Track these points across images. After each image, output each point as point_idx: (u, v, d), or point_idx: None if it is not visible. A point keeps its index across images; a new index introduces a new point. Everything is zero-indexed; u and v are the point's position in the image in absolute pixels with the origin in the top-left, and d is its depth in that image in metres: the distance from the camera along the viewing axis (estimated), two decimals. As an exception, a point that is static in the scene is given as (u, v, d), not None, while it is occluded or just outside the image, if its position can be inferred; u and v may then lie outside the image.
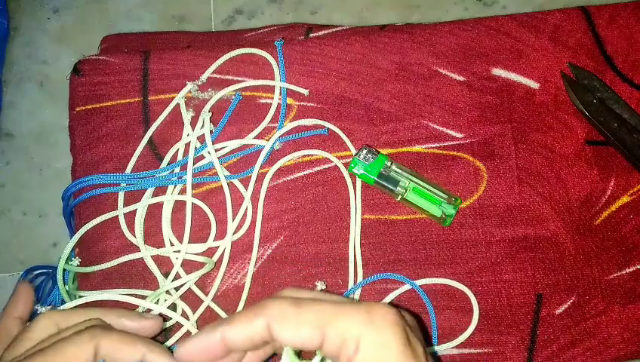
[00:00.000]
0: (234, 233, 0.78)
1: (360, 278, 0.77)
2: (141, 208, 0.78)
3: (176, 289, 0.76)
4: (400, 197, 0.77)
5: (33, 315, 0.73)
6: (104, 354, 0.51)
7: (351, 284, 0.76)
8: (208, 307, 0.76)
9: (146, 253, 0.76)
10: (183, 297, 0.76)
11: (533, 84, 0.82)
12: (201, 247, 0.77)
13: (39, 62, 1.05)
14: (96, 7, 1.06)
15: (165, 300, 0.75)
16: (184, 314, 0.75)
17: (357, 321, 0.44)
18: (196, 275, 0.75)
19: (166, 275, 0.76)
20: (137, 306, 0.73)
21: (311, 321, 0.45)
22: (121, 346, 0.52)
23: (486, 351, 0.76)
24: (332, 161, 0.80)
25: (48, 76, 1.05)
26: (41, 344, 0.54)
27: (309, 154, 0.80)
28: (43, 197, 1.02)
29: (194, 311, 0.76)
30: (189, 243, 0.77)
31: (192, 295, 0.76)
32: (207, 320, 0.76)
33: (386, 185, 0.77)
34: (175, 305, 0.75)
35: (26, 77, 1.05)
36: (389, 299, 0.77)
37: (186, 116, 0.79)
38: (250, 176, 0.79)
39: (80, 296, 0.72)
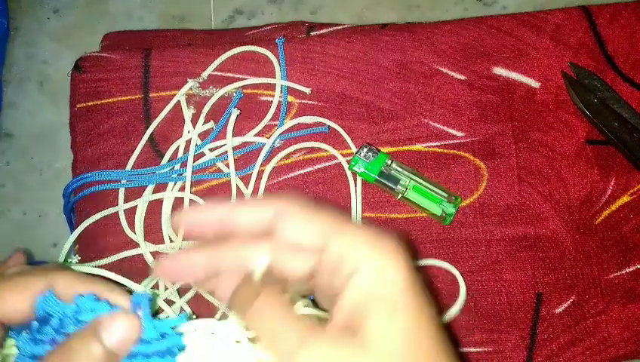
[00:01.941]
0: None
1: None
2: (141, 205, 0.78)
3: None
4: (400, 195, 0.77)
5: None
6: (59, 288, 0.50)
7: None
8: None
9: (146, 249, 0.76)
10: (183, 296, 0.76)
11: (534, 84, 0.82)
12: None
13: (39, 62, 1.05)
14: (96, 8, 1.06)
15: (166, 296, 0.75)
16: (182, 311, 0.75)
17: (362, 240, 0.43)
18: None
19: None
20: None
21: (318, 226, 0.44)
22: (75, 281, 0.51)
23: (486, 349, 0.75)
24: (332, 160, 0.80)
25: (48, 76, 1.05)
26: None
27: (310, 150, 0.80)
28: (43, 197, 1.02)
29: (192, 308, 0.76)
30: (190, 240, 0.77)
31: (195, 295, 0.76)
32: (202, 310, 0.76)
33: (387, 183, 0.77)
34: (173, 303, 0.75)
35: (26, 77, 1.05)
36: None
37: (187, 113, 0.80)
38: (251, 174, 0.79)
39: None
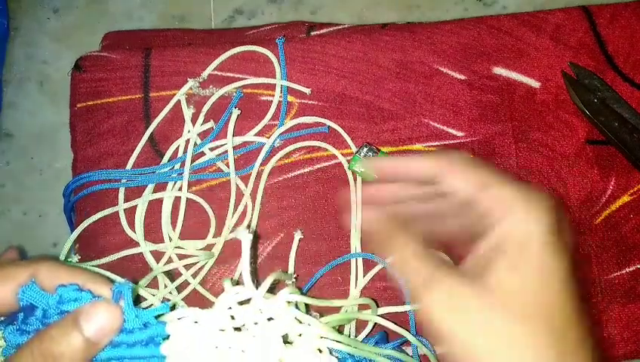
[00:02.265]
0: (232, 230, 0.78)
1: (361, 276, 0.77)
2: (141, 204, 0.78)
3: (172, 280, 0.77)
4: None
5: None
6: (43, 278, 0.51)
7: (352, 281, 0.76)
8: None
9: (146, 248, 0.76)
10: (181, 293, 0.76)
11: (534, 83, 0.82)
12: (200, 244, 0.77)
13: (39, 63, 1.05)
14: (96, 7, 1.06)
15: (165, 294, 0.75)
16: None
17: (513, 194, 0.47)
18: (189, 264, 0.75)
19: (166, 273, 0.76)
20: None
21: (476, 179, 0.49)
22: (59, 271, 0.51)
23: (486, 349, 0.75)
24: (332, 160, 0.80)
25: (48, 76, 1.04)
26: None
27: (310, 149, 0.80)
28: (43, 197, 1.01)
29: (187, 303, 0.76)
30: (189, 239, 0.77)
31: (195, 293, 0.77)
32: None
33: None
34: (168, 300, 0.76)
35: (26, 77, 1.04)
36: (370, 275, 0.78)
37: (187, 113, 0.80)
38: (251, 173, 0.79)
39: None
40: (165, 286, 0.76)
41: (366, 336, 0.74)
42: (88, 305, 0.48)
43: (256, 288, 0.51)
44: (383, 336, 0.72)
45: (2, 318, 0.52)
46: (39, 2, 1.07)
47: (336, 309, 0.74)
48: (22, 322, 0.50)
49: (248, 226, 0.78)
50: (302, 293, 0.54)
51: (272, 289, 0.53)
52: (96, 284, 0.51)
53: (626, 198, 0.79)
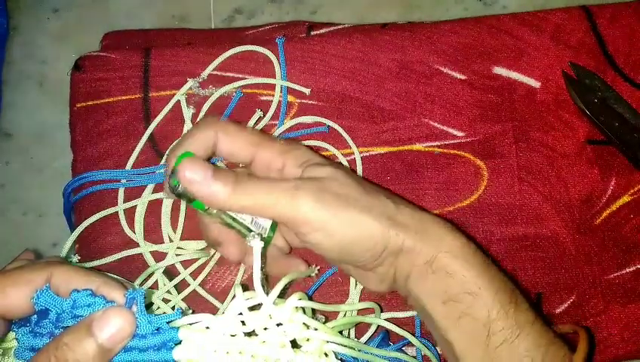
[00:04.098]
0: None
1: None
2: (141, 204, 0.78)
3: (170, 279, 0.77)
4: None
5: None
6: (57, 282, 0.51)
7: (352, 281, 0.76)
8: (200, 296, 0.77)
9: (145, 248, 0.76)
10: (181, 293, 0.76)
11: (535, 83, 0.82)
12: (200, 244, 0.77)
13: (39, 62, 1.05)
14: (96, 7, 1.06)
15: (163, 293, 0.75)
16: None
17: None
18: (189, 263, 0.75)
19: (166, 273, 0.76)
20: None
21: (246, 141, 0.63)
22: (73, 276, 0.52)
23: (486, 349, 0.75)
24: (332, 160, 0.79)
25: (48, 76, 1.04)
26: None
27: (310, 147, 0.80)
28: (43, 197, 1.01)
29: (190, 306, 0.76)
30: (190, 240, 0.77)
31: (194, 293, 0.77)
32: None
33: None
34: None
35: (26, 77, 1.04)
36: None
37: (187, 113, 0.79)
38: (251, 174, 0.79)
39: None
40: (164, 285, 0.76)
41: (369, 339, 0.74)
42: (101, 311, 0.48)
43: (266, 293, 0.52)
44: (384, 337, 0.72)
45: (17, 321, 0.53)
46: (39, 2, 1.07)
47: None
48: (35, 324, 0.50)
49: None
50: (309, 297, 0.55)
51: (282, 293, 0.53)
52: (109, 289, 0.51)
53: (626, 198, 0.79)
